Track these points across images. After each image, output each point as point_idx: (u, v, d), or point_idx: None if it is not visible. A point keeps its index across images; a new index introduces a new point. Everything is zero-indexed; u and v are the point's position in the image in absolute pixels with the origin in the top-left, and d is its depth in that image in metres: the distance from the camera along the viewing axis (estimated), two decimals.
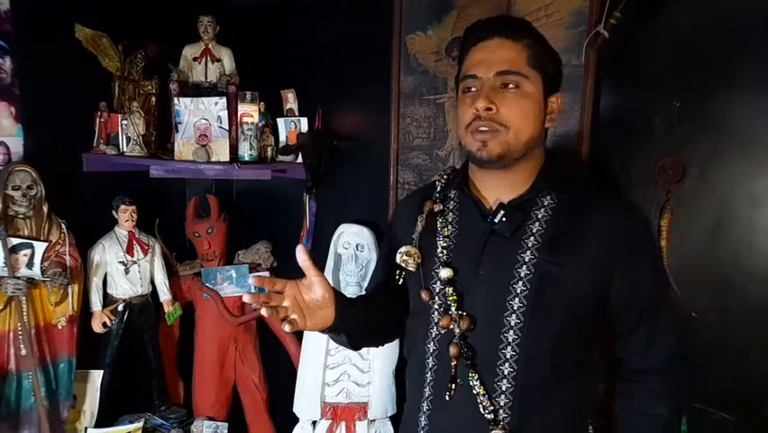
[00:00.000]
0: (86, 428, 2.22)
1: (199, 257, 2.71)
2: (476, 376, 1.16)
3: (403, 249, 1.27)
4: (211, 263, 2.68)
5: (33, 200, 2.05)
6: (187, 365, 2.71)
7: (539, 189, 1.21)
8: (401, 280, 1.32)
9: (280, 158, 2.56)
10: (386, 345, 2.19)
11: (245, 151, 2.43)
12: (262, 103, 2.50)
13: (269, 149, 2.56)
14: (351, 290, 2.28)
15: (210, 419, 2.55)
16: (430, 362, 1.24)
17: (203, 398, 2.64)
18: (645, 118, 1.78)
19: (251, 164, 2.45)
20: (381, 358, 2.24)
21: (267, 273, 2.70)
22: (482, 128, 1.15)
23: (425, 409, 1.26)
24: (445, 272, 1.20)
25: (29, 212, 2.04)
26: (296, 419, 2.35)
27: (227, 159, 2.38)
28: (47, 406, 2.04)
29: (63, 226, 2.13)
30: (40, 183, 2.06)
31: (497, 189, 1.24)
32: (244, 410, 2.73)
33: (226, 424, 2.51)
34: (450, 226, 1.26)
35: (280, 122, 2.62)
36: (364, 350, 2.25)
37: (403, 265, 1.27)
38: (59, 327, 2.10)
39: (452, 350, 1.17)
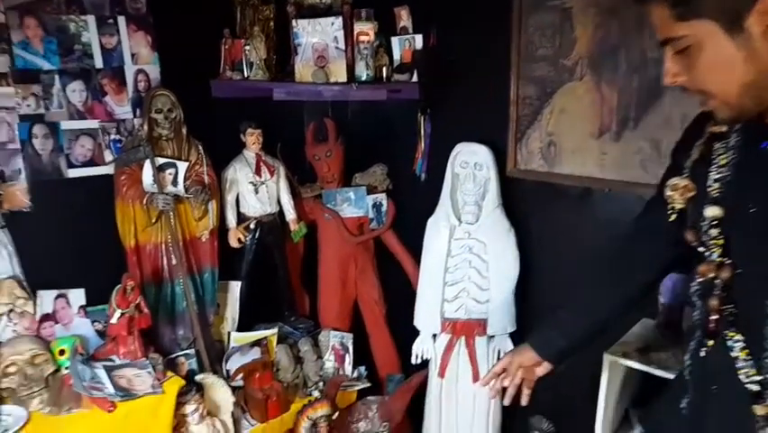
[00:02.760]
0: (228, 332, 2.46)
1: (319, 179, 2.81)
2: (736, 337, 0.97)
3: (672, 180, 1.09)
4: (330, 185, 2.77)
5: (174, 123, 2.21)
6: (311, 281, 2.89)
7: None
8: (672, 216, 1.10)
9: (395, 77, 2.53)
10: (508, 262, 2.24)
11: (362, 71, 2.43)
12: (376, 22, 2.46)
13: (383, 68, 2.53)
14: (468, 210, 2.27)
15: (335, 330, 2.72)
16: (693, 311, 1.09)
17: (327, 311, 2.81)
18: None
19: (367, 84, 2.45)
20: (500, 276, 2.24)
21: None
22: None
23: (686, 358, 1.12)
24: (711, 210, 1.00)
25: (170, 134, 2.21)
26: (415, 333, 2.45)
27: (345, 79, 2.40)
28: (196, 310, 2.28)
29: (200, 147, 2.29)
30: (178, 106, 2.21)
31: None
32: (365, 324, 2.88)
33: (351, 335, 2.67)
34: (729, 154, 1.01)
35: (394, 40, 2.56)
36: (483, 268, 2.26)
37: (669, 201, 1.09)
38: (203, 240, 2.31)
39: (712, 302, 1.00)
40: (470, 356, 2.33)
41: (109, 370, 1.79)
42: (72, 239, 2.16)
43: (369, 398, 2.60)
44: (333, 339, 2.64)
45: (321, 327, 2.77)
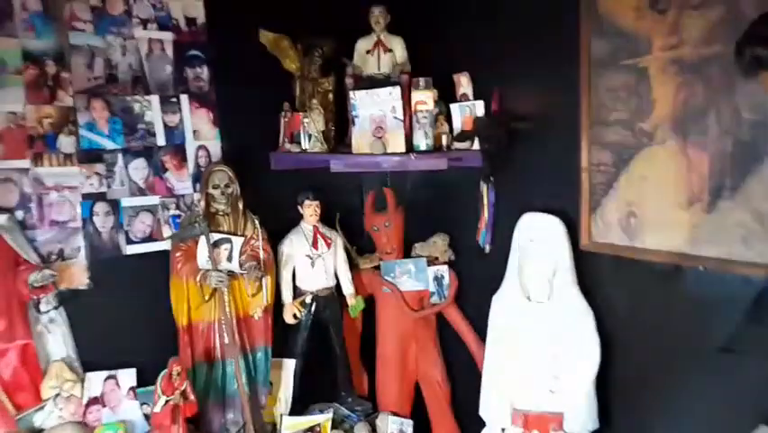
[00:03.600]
0: (281, 415, 2.32)
1: (378, 250, 2.70)
2: None
3: None
4: (389, 256, 2.65)
5: (230, 198, 2.19)
6: (370, 359, 2.72)
7: None
8: None
9: (456, 145, 2.43)
10: (588, 348, 2.00)
11: (420, 140, 2.34)
12: (435, 90, 2.39)
13: (443, 137, 2.44)
14: (538, 286, 2.06)
15: (394, 414, 2.51)
16: None
17: (386, 391, 2.62)
18: None
19: (426, 153, 2.35)
20: (579, 364, 1.99)
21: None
22: None
23: None
24: None
25: (227, 209, 2.19)
26: (483, 421, 2.21)
27: (403, 149, 2.32)
28: (248, 392, 2.17)
29: (256, 222, 2.25)
30: (235, 182, 2.20)
31: None
32: (427, 408, 2.66)
33: (411, 422, 2.46)
34: None
35: (454, 108, 2.48)
36: (559, 352, 2.02)
37: None
38: (256, 318, 2.22)
39: None
40: None
41: None
42: (127, 317, 2.13)
43: None
44: (391, 426, 2.44)
45: (379, 410, 2.57)
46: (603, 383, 2.00)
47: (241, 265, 2.16)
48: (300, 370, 2.42)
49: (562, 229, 2.07)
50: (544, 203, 2.18)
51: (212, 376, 2.16)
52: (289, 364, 2.40)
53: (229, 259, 2.14)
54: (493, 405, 2.12)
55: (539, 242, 2.07)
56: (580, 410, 1.98)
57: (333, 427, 2.36)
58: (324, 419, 2.28)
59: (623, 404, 1.98)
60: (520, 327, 2.07)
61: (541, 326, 2.04)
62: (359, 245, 2.76)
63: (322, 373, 2.55)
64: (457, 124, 2.47)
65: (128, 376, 2.03)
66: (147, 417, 2.00)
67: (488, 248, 2.48)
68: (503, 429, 2.12)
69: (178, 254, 2.12)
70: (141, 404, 2.02)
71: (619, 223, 1.99)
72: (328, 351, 2.56)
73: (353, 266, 2.67)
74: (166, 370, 1.83)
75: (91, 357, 2.03)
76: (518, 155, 2.33)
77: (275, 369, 2.41)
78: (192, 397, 1.86)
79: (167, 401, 1.76)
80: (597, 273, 2.06)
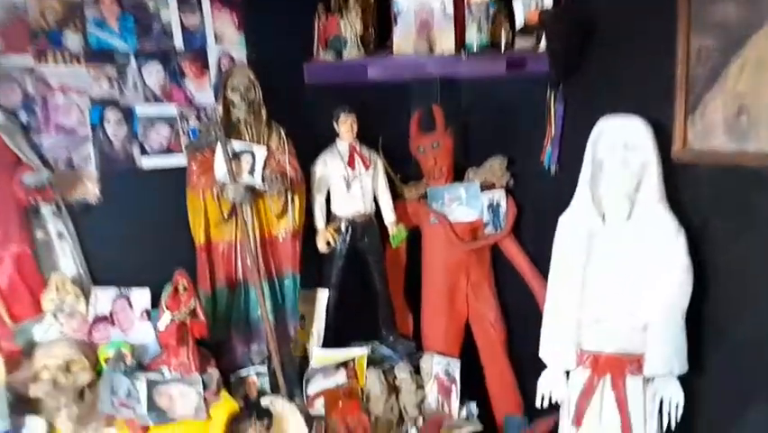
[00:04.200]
0: (312, 349, 2.09)
1: (425, 175, 2.38)
2: None
3: None
4: (437, 181, 2.33)
5: (252, 104, 1.92)
6: (416, 297, 2.44)
7: None
8: None
9: (518, 44, 2.04)
10: (677, 277, 1.62)
11: (473, 36, 1.98)
12: None
13: (502, 34, 2.06)
14: (617, 205, 1.69)
15: (440, 354, 2.23)
16: None
17: (432, 332, 2.35)
18: None
19: (481, 54, 1.99)
20: (664, 296, 1.62)
21: None
22: None
23: None
24: None
25: (249, 117, 1.93)
26: (541, 365, 1.89)
27: (452, 49, 1.96)
28: (273, 321, 1.94)
29: (282, 132, 1.98)
30: (257, 85, 1.93)
31: None
32: (479, 350, 2.36)
33: (458, 362, 2.18)
34: None
35: (516, 2, 2.09)
36: (639, 282, 1.66)
37: None
38: (281, 239, 1.97)
39: None
40: (619, 404, 1.72)
41: (152, 385, 1.50)
42: (142, 235, 1.94)
43: None
44: (436, 366, 2.17)
45: (423, 351, 2.30)
46: (694, 320, 1.63)
47: (263, 180, 1.90)
48: (335, 303, 2.18)
49: (649, 134, 1.67)
50: (627, 106, 1.77)
51: (234, 302, 1.94)
52: (323, 295, 2.16)
53: (251, 172, 1.89)
54: (556, 345, 1.79)
55: (619, 149, 1.68)
56: (664, 351, 1.62)
57: (370, 365, 2.12)
58: (359, 353, 2.03)
59: (717, 345, 1.61)
60: (592, 254, 1.72)
61: (618, 251, 1.68)
62: (404, 174, 2.45)
63: (360, 309, 2.29)
64: (519, 21, 2.08)
65: (141, 297, 1.84)
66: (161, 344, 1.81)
67: (553, 169, 2.13)
68: (567, 373, 1.80)
69: (194, 165, 1.89)
70: (155, 327, 1.83)
71: (725, 122, 1.58)
72: (367, 285, 2.30)
73: (396, 195, 2.37)
74: (171, 284, 1.62)
75: (103, 275, 1.86)
76: (594, 55, 1.92)
77: (308, 302, 2.17)
78: (202, 316, 1.64)
79: (172, 319, 1.55)
80: (691, 187, 1.67)
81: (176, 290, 1.60)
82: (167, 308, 1.56)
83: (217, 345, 1.86)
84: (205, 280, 1.89)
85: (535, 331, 1.92)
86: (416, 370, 2.20)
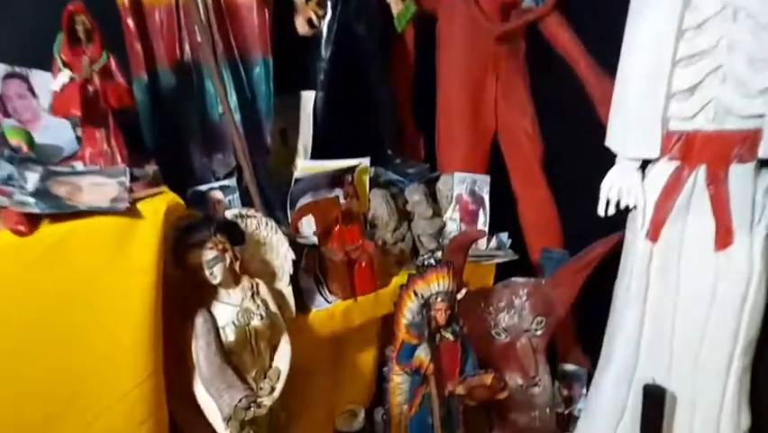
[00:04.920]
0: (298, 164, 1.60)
1: None
2: None
3: None
4: None
5: None
6: (428, 112, 1.91)
7: None
8: None
9: None
10: None
11: None
12: None
13: None
14: None
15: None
16: None
17: (451, 149, 1.85)
18: None
19: None
20: None
21: None
22: None
23: None
24: None
25: None
26: (592, 182, 1.40)
27: None
28: (238, 121, 1.43)
29: None
30: None
31: None
32: (509, 173, 1.87)
33: (487, 177, 1.69)
34: None
35: None
36: (761, 30, 1.13)
37: None
38: (244, 5, 1.40)
39: None
40: (716, 202, 1.26)
41: (50, 174, 1.01)
42: None
43: (515, 279, 1.65)
44: (459, 186, 1.68)
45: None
46: None
47: None
48: (324, 108, 1.65)
49: None
50: None
51: (183, 92, 1.41)
52: (308, 99, 1.63)
53: None
54: (632, 125, 1.28)
55: None
56: None
57: (375, 187, 1.64)
58: (358, 164, 1.53)
59: None
60: None
61: None
62: None
63: (356, 122, 1.77)
64: None
65: (46, 80, 1.30)
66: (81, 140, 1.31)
67: None
68: (641, 166, 1.31)
69: None
70: (75, 125, 1.33)
71: None
72: (367, 90, 1.76)
73: None
74: (62, 34, 1.06)
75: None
76: None
77: (289, 111, 1.65)
78: (119, 78, 1.11)
79: (72, 78, 1.04)
80: None
81: (72, 34, 1.05)
82: (63, 65, 1.04)
83: (163, 155, 1.36)
84: (138, 58, 1.35)
85: (581, 149, 1.43)
86: (432, 193, 1.73)
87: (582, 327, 1.86)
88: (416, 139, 1.96)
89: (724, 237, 1.26)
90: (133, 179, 1.06)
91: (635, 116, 1.27)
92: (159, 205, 0.99)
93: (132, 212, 0.95)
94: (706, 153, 1.24)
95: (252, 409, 1.04)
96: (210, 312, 1.10)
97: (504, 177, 1.88)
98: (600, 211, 1.36)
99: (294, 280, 1.37)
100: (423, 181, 1.74)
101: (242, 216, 1.25)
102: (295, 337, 1.23)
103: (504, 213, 1.84)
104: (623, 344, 1.40)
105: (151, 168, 1.13)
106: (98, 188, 0.97)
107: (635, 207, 1.34)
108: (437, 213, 1.72)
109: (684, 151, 1.25)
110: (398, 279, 1.50)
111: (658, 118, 1.24)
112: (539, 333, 1.63)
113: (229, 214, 1.24)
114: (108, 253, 0.94)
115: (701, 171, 1.26)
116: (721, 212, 1.26)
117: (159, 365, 1.01)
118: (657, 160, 1.29)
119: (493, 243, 1.72)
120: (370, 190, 1.62)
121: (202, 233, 1.10)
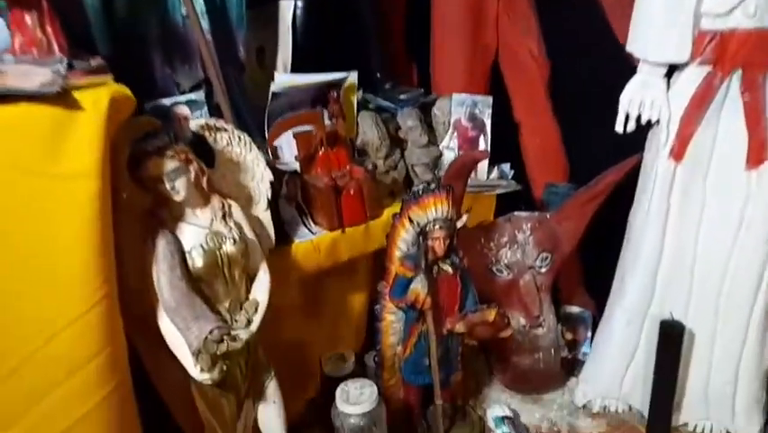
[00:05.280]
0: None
1: None
2: None
3: None
4: None
5: None
6: (421, 36, 1.73)
7: None
8: None
9: None
10: None
11: None
12: None
13: None
14: None
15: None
16: None
17: (447, 72, 1.68)
18: None
19: None
20: None
21: None
22: None
23: None
24: None
25: None
26: (601, 118, 1.24)
27: None
28: (206, 27, 1.24)
29: None
30: None
31: None
32: (511, 98, 1.70)
33: (489, 98, 1.53)
34: None
35: None
36: None
37: None
38: None
39: None
40: (751, 112, 1.11)
41: None
42: None
43: (518, 213, 1.51)
44: (457, 109, 1.52)
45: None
46: None
47: None
48: (305, 17, 1.47)
49: None
50: None
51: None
52: (286, 7, 1.44)
53: None
54: (657, 25, 1.12)
55: None
56: None
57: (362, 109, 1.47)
58: (343, 78, 1.36)
59: None
60: None
61: None
62: None
63: (342, 39, 1.59)
64: None
65: None
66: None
67: None
68: (669, 72, 1.16)
69: None
70: (11, 27, 1.14)
71: None
72: (352, 14, 1.57)
73: None
74: None
75: None
76: None
77: (266, 26, 1.46)
78: None
79: None
80: None
81: None
82: None
83: (118, 63, 1.17)
84: None
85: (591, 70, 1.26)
86: (427, 118, 1.57)
87: (588, 268, 1.74)
88: (408, 66, 1.79)
89: (757, 153, 1.12)
90: (72, 69, 0.88)
91: (662, 14, 1.10)
92: (101, 95, 0.82)
93: (66, 101, 0.78)
94: (742, 56, 1.08)
95: (226, 341, 0.90)
96: (174, 234, 0.95)
97: (505, 103, 1.72)
98: (618, 127, 1.21)
99: (273, 208, 1.21)
100: (417, 106, 1.57)
101: (209, 127, 1.07)
102: (275, 271, 1.09)
103: (505, 144, 1.69)
104: (639, 275, 1.27)
105: (96, 61, 0.95)
106: (26, 77, 0.79)
107: (657, 121, 1.19)
108: (433, 141, 1.57)
109: (718, 53, 1.10)
110: (391, 210, 1.35)
111: (689, 15, 1.08)
112: (543, 270, 1.50)
113: (193, 125, 1.06)
114: (40, 151, 0.76)
115: (735, 78, 1.11)
116: (756, 124, 1.12)
117: (112, 290, 0.85)
118: (685, 65, 1.14)
119: (494, 173, 1.57)
120: (358, 113, 1.46)
121: (160, 139, 0.93)
